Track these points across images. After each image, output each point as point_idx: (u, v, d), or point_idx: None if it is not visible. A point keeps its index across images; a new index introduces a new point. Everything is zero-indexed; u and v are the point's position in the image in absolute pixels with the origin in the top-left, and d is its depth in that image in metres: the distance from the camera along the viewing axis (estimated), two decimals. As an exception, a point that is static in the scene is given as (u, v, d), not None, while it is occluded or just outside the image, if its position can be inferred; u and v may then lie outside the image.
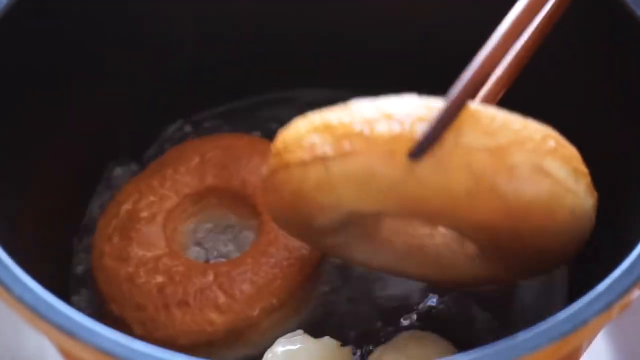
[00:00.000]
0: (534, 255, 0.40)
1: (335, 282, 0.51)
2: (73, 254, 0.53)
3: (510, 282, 0.50)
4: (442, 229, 0.45)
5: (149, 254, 0.49)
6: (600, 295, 0.35)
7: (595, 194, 0.40)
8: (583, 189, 0.38)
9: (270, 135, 0.52)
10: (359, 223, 0.42)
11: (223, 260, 0.51)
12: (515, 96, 0.52)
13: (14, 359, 0.56)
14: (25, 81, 0.48)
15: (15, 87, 0.47)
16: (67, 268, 0.52)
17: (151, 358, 0.33)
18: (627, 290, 0.35)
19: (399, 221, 0.45)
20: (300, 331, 0.46)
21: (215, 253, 0.52)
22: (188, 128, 0.58)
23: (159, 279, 0.48)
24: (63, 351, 0.40)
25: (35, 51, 0.48)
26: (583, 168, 0.39)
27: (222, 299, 0.47)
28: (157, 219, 0.51)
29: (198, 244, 0.52)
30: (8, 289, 0.35)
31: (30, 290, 0.35)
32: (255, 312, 0.48)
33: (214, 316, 0.47)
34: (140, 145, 0.57)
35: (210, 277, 0.48)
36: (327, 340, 0.45)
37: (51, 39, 0.49)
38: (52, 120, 0.50)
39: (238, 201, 0.52)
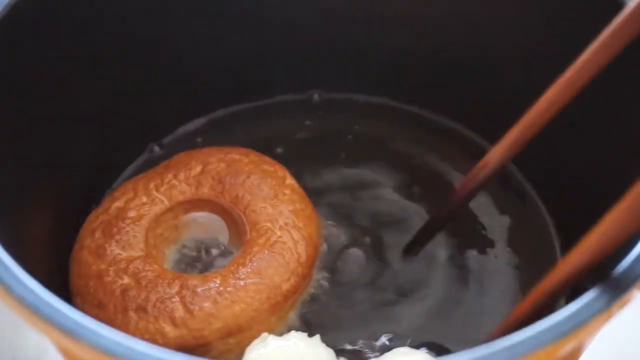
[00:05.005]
0: None
1: (310, 316, 0.50)
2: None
3: None
4: None
5: (124, 254, 0.49)
6: (600, 295, 0.35)
7: None
8: None
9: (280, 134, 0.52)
10: None
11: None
12: (519, 98, 0.52)
13: (14, 359, 0.56)
14: (35, 80, 0.48)
15: (25, 84, 0.47)
16: (67, 268, 0.52)
17: (151, 358, 0.33)
18: (627, 290, 0.35)
19: None
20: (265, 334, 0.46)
21: (199, 266, 0.51)
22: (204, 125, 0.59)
23: (126, 280, 0.48)
24: (63, 351, 0.40)
25: (43, 50, 0.48)
26: None
27: (180, 312, 0.46)
28: (143, 221, 0.50)
29: (184, 253, 0.52)
30: (8, 289, 0.35)
31: (31, 290, 0.35)
32: (208, 333, 0.46)
33: (167, 328, 0.46)
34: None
35: (175, 288, 0.47)
36: (294, 334, 0.45)
37: (54, 39, 0.49)
38: (56, 126, 0.50)
39: (227, 217, 0.51)
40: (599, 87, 0.48)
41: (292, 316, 0.50)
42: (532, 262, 0.53)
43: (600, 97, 0.48)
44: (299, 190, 0.53)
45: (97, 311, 0.47)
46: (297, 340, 0.44)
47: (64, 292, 0.50)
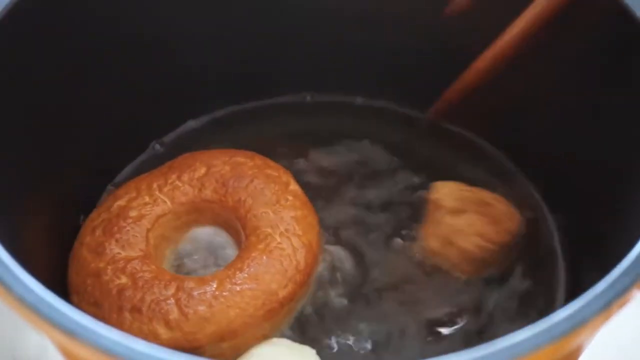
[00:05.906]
0: None
1: (306, 326, 0.50)
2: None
3: None
4: None
5: (122, 254, 0.49)
6: (599, 294, 0.35)
7: None
8: None
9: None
10: None
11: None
12: (522, 98, 0.53)
13: (14, 359, 0.56)
14: (35, 80, 0.48)
15: (25, 84, 0.47)
16: (67, 268, 0.52)
17: (151, 358, 0.33)
18: (627, 289, 0.35)
19: None
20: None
21: (198, 267, 0.51)
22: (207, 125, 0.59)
23: (123, 280, 0.48)
24: (63, 351, 0.40)
25: (46, 52, 0.48)
26: None
27: (174, 314, 0.46)
28: (144, 221, 0.50)
29: (185, 254, 0.52)
30: (8, 289, 0.35)
31: (31, 290, 0.35)
32: (201, 336, 0.46)
33: (161, 330, 0.46)
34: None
35: (171, 290, 0.47)
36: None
37: (57, 38, 0.49)
38: (57, 125, 0.50)
39: (229, 219, 0.51)
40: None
41: (288, 323, 0.50)
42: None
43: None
44: (302, 196, 0.52)
45: (93, 309, 0.47)
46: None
47: (64, 292, 0.50)
